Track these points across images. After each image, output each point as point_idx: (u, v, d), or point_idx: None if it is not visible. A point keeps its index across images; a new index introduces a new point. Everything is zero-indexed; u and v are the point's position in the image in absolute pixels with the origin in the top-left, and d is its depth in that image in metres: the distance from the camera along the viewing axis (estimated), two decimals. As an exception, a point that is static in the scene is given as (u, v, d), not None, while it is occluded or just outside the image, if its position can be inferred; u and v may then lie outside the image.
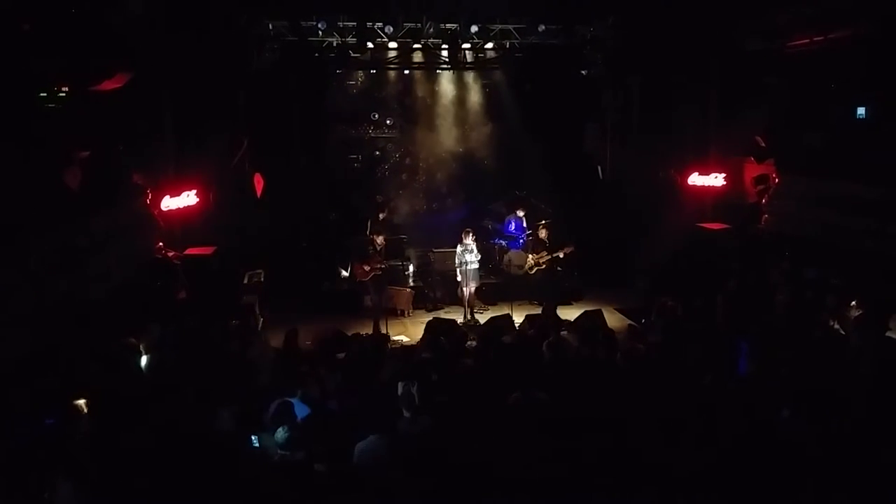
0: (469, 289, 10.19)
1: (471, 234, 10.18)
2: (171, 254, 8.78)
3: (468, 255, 10.08)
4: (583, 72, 12.36)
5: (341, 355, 7.29)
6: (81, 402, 4.80)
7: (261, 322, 9.62)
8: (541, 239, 10.36)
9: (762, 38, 9.52)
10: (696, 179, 10.50)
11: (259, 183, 10.55)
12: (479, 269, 10.22)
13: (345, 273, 10.30)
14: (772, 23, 9.37)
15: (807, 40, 8.89)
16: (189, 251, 9.04)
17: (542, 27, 11.09)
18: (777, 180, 9.88)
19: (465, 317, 10.24)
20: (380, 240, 10.00)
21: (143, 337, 6.65)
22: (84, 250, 6.81)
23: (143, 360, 6.39)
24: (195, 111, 9.05)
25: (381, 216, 11.73)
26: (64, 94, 6.70)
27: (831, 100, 9.21)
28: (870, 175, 8.03)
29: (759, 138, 10.01)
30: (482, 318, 9.99)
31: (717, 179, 10.36)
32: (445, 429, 4.83)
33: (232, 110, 10.26)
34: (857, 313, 6.88)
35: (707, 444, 4.52)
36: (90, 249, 6.93)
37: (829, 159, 8.78)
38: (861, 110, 8.78)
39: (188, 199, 8.81)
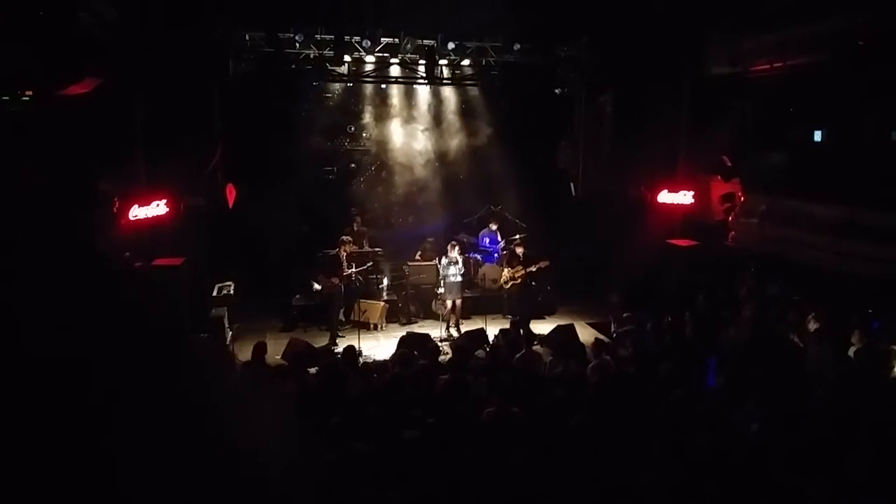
0: (450, 302, 10.19)
1: (456, 248, 10.20)
2: (137, 264, 8.60)
3: (451, 267, 10.08)
4: (556, 90, 12.57)
5: (312, 370, 7.22)
6: None
7: (229, 335, 9.46)
8: (517, 254, 10.43)
9: (728, 62, 9.86)
10: (665, 197, 10.73)
11: (231, 193, 10.42)
12: (461, 282, 10.24)
13: (317, 286, 10.21)
14: (736, 48, 9.71)
15: (768, 66, 9.24)
16: (157, 262, 8.86)
17: (517, 46, 11.28)
18: (742, 199, 10.16)
19: (446, 330, 10.22)
20: (346, 249, 9.95)
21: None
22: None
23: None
24: (168, 119, 8.93)
25: (354, 228, 11.70)
26: (28, 99, 6.55)
27: (791, 123, 9.57)
28: (827, 195, 8.33)
29: (725, 157, 10.29)
30: (458, 333, 9.99)
31: (685, 197, 10.60)
32: (420, 443, 4.79)
33: (206, 120, 10.14)
34: (814, 327, 7.09)
35: (676, 458, 4.58)
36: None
37: (789, 179, 9.09)
38: (818, 134, 9.14)
39: (158, 208, 8.65)
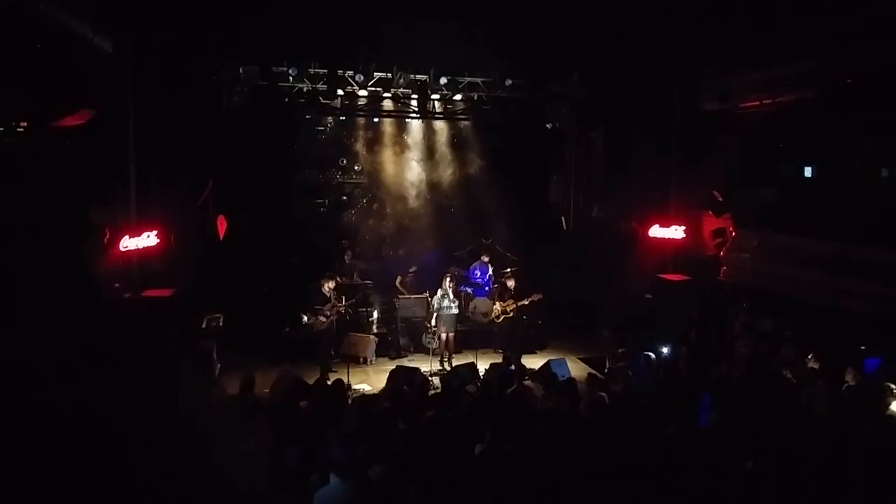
0: (444, 335, 10.07)
1: (449, 280, 10.13)
2: (127, 295, 8.48)
3: (446, 300, 9.98)
4: (547, 125, 12.74)
5: (303, 403, 7.07)
6: None
7: (218, 368, 9.30)
8: (508, 287, 10.38)
9: (718, 98, 10.03)
10: (656, 231, 10.76)
11: (222, 225, 10.39)
12: (455, 315, 10.13)
13: (306, 319, 10.08)
14: (726, 85, 9.90)
15: (757, 103, 9.40)
16: (147, 293, 8.76)
17: (509, 81, 11.46)
18: (734, 234, 10.21)
19: (439, 363, 10.06)
20: (329, 285, 9.81)
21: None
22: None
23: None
24: (160, 150, 8.94)
25: (346, 260, 11.63)
26: (22, 130, 6.54)
27: (781, 158, 9.70)
28: (818, 230, 8.39)
29: (715, 193, 10.38)
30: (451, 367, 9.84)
31: (677, 232, 10.64)
32: (411, 479, 4.67)
33: (198, 151, 10.17)
34: (813, 365, 7.04)
35: (670, 495, 4.48)
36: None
37: (781, 214, 9.16)
38: (808, 170, 9.25)
39: (148, 239, 8.59)
